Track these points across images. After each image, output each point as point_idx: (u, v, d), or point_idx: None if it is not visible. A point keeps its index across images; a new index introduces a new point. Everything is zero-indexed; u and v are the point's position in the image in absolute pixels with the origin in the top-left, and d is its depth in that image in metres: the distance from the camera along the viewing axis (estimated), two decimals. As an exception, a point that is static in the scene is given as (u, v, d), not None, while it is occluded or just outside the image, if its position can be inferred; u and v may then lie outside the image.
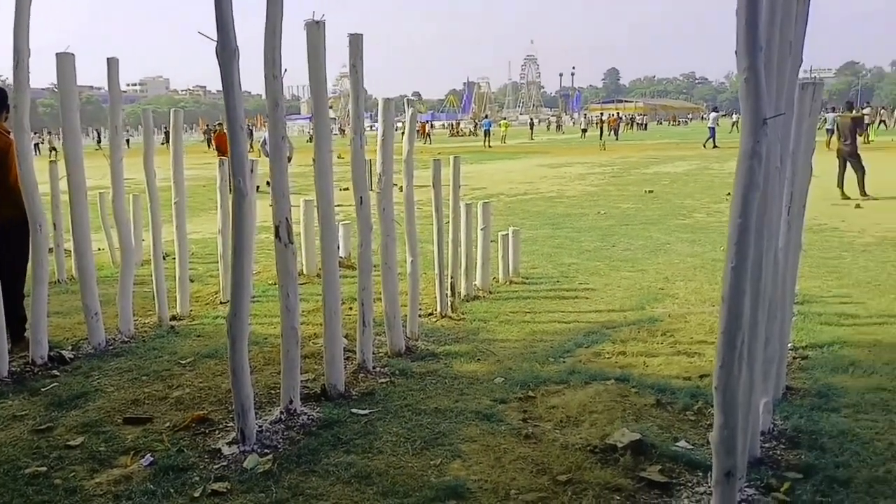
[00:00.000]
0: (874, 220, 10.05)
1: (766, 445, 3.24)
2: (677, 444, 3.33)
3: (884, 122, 43.87)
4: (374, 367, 4.43)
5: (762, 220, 2.57)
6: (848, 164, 12.73)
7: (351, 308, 5.40)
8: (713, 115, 32.66)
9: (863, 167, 12.68)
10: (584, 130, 50.26)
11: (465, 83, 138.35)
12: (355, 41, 4.10)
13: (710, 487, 2.77)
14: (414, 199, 5.17)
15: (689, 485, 2.99)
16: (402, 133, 5.20)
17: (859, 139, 13.21)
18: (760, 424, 3.25)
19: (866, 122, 26.57)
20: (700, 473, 3.03)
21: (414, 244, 5.14)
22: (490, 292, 6.49)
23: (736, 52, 2.23)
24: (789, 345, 4.62)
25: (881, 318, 5.32)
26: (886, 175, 13.66)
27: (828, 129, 26.54)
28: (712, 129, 30.22)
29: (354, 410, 3.80)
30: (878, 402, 3.73)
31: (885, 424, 3.47)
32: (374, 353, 4.56)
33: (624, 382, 4.11)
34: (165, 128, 28.76)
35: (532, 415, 3.74)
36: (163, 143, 24.81)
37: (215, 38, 3.14)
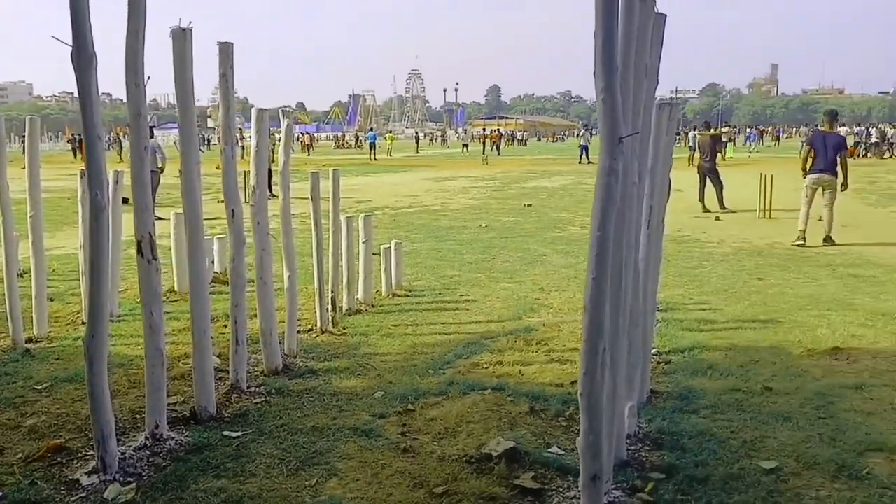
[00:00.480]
0: (731, 231, 10.84)
1: (632, 448, 3.40)
2: (549, 450, 3.42)
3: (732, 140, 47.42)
4: (248, 387, 4.28)
5: (621, 232, 2.70)
6: (708, 180, 13.67)
7: (225, 326, 5.20)
8: (583, 132, 33.97)
9: (721, 182, 13.66)
10: (466, 145, 51.17)
11: (350, 95, 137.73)
12: (225, 50, 3.98)
13: (579, 492, 2.87)
14: (290, 211, 5.07)
15: (561, 490, 3.07)
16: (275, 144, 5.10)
17: (718, 156, 14.23)
18: (626, 428, 3.40)
19: (724, 140, 28.66)
20: (570, 478, 3.12)
21: (291, 258, 5.03)
22: (372, 306, 6.45)
23: (594, 74, 2.34)
24: (653, 350, 4.88)
25: (736, 322, 5.72)
26: (743, 190, 14.75)
27: (690, 147, 28.48)
28: (584, 147, 31.52)
29: (226, 433, 3.66)
30: (733, 403, 4.00)
31: (739, 423, 3.72)
32: (249, 373, 4.41)
33: (500, 391, 4.19)
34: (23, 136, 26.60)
35: (411, 428, 3.74)
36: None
37: (70, 43, 2.95)
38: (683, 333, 5.39)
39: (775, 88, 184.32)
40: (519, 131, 75.07)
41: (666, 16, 3.01)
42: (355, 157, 41.83)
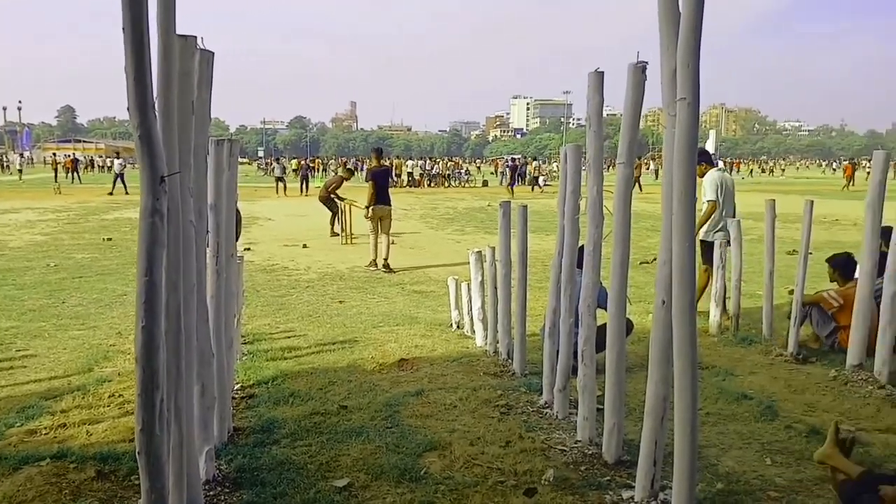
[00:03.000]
0: (317, 258, 11.42)
1: (211, 493, 3.28)
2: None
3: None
4: None
5: (177, 274, 2.59)
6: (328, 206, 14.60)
7: None
8: (117, 162, 30.51)
9: (333, 210, 14.38)
10: (20, 171, 44.15)
11: None
12: None
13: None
14: None
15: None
16: None
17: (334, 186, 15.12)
18: (203, 474, 3.27)
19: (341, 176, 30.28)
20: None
21: None
22: None
23: (128, 109, 2.20)
24: (236, 386, 4.84)
25: (318, 346, 6.00)
26: (325, 217, 15.62)
27: (277, 178, 29.33)
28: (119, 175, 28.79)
29: None
30: (311, 427, 4.15)
31: (317, 447, 3.87)
32: None
33: (62, 459, 3.68)
34: None
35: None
36: None
37: None
38: (268, 364, 5.45)
39: (355, 123, 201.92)
40: (99, 156, 68.43)
41: (213, 53, 3.00)
42: None
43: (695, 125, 2.78)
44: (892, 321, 4.95)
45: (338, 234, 13.94)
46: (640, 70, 3.38)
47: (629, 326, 5.19)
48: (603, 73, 3.79)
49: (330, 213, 14.53)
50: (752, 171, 62.98)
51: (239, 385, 4.88)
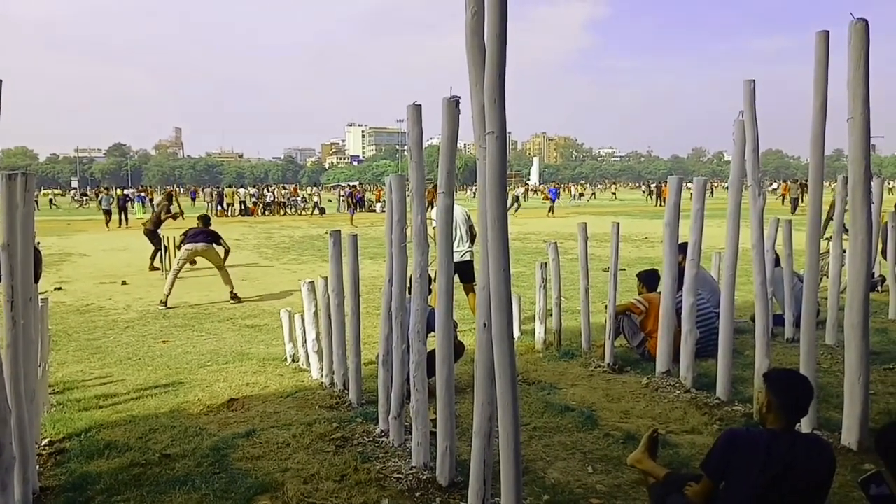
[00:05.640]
0: (138, 295, 10.68)
1: (8, 567, 2.94)
2: None
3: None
4: None
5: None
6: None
7: None
8: None
9: (156, 246, 13.45)
10: None
11: None
12: None
13: None
14: None
15: None
16: None
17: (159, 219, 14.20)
18: (-2, 546, 2.92)
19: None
20: None
21: None
22: None
23: None
24: (43, 441, 4.40)
25: (138, 391, 5.60)
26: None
27: (105, 210, 27.37)
28: None
29: None
30: (130, 480, 3.84)
31: (136, 501, 3.60)
32: None
33: None
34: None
35: None
36: None
37: None
38: (80, 414, 5.00)
39: (181, 150, 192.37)
40: None
41: (1, 81, 2.75)
42: None
43: (503, 156, 2.94)
44: (692, 330, 5.47)
45: (158, 269, 13.17)
46: (453, 104, 3.52)
47: (460, 349, 5.34)
48: (421, 105, 3.91)
49: (152, 248, 13.69)
50: (594, 193, 66.77)
51: (46, 440, 4.43)
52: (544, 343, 6.79)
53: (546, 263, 7.02)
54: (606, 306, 6.22)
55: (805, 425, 4.41)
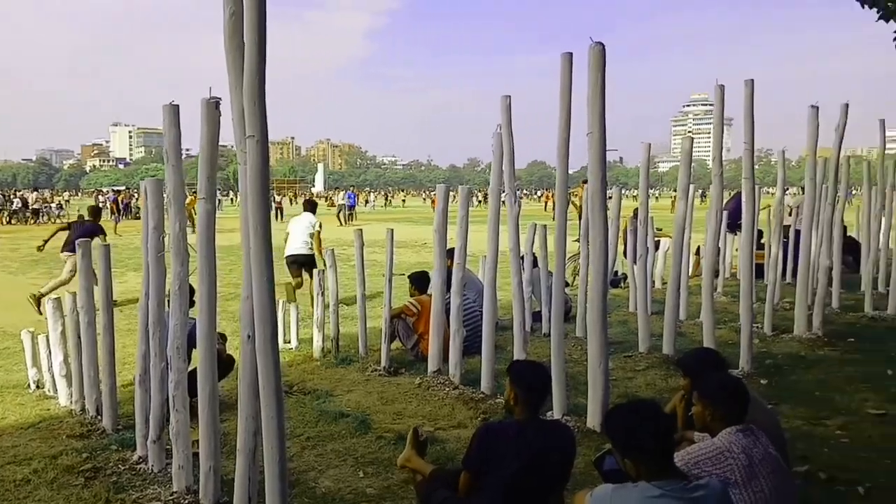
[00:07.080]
0: None
1: None
2: None
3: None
4: None
5: None
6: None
7: None
8: None
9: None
10: None
11: None
12: None
13: None
14: None
15: None
16: None
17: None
18: None
19: None
20: None
21: None
22: None
23: None
24: None
25: None
26: None
27: None
28: None
29: None
30: None
31: None
32: None
33: None
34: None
35: None
36: None
37: None
38: None
39: None
40: None
41: None
42: None
43: (265, 161, 2.86)
44: (459, 329, 5.75)
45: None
46: (213, 105, 3.37)
47: (230, 363, 5.11)
48: (178, 106, 3.70)
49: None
50: (388, 200, 66.09)
51: None
52: (322, 351, 6.74)
53: (324, 271, 6.98)
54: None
55: (556, 411, 4.83)
